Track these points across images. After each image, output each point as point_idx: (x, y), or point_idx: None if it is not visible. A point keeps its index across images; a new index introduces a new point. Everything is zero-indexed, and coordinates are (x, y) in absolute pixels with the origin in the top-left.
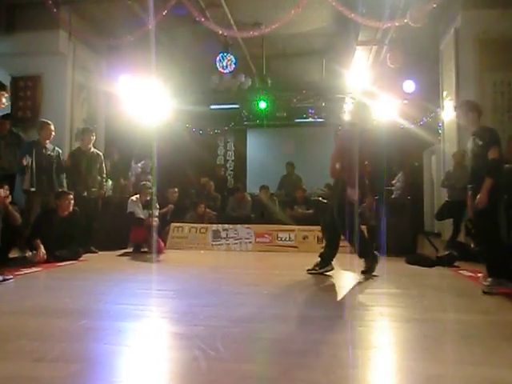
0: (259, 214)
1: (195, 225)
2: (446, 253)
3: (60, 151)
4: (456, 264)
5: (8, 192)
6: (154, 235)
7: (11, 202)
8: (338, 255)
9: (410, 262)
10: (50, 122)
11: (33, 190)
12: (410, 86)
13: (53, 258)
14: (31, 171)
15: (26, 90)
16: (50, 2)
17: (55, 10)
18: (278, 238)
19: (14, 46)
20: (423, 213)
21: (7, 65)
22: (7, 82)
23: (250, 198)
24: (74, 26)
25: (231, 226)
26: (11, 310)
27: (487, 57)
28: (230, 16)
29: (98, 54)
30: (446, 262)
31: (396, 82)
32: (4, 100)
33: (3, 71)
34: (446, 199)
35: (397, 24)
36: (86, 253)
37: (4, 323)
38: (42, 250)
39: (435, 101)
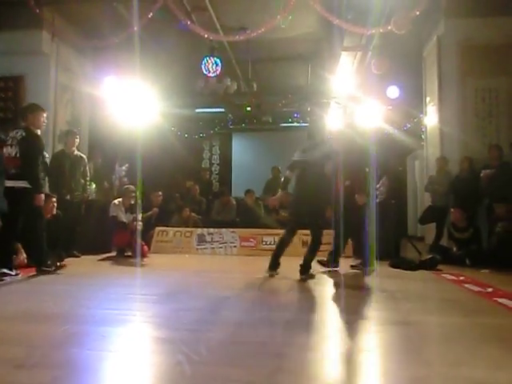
0: (244, 218)
1: (180, 229)
2: (429, 256)
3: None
4: (439, 267)
5: None
6: (138, 239)
7: None
8: (323, 258)
9: (393, 266)
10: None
11: None
12: (394, 91)
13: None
14: None
15: (7, 90)
16: (33, 1)
17: (38, 11)
18: (262, 241)
19: None
20: (407, 217)
21: None
22: None
23: (234, 202)
24: (58, 27)
25: (216, 229)
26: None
27: (469, 63)
28: (216, 20)
29: (83, 56)
30: (429, 265)
31: (380, 88)
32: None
33: None
34: (429, 204)
35: (381, 31)
36: (69, 257)
37: None
38: (23, 254)
39: (419, 106)
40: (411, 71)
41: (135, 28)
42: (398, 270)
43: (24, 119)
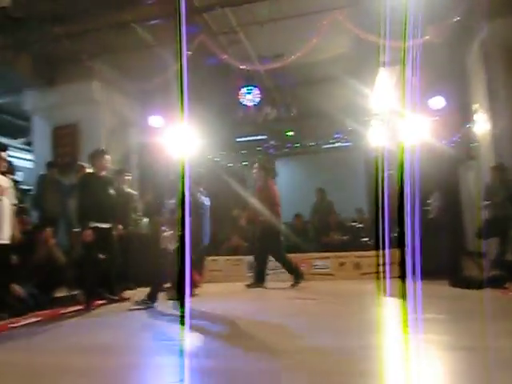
0: (293, 242)
1: (230, 257)
2: (494, 273)
3: None
4: (505, 285)
5: (52, 234)
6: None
7: (56, 244)
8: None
9: (454, 285)
10: (86, 165)
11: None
12: (438, 102)
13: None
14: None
15: (65, 137)
16: (85, 56)
17: (89, 63)
18: (314, 266)
19: (54, 98)
20: (465, 232)
21: (49, 116)
22: (49, 132)
23: (282, 227)
24: (107, 75)
25: None
26: (57, 347)
27: None
28: (251, 50)
29: (130, 99)
30: (494, 283)
31: (423, 100)
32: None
33: (45, 122)
34: (488, 216)
35: (418, 42)
36: (125, 290)
37: (50, 361)
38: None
39: (467, 115)
40: (455, 79)
41: (175, 68)
42: (460, 289)
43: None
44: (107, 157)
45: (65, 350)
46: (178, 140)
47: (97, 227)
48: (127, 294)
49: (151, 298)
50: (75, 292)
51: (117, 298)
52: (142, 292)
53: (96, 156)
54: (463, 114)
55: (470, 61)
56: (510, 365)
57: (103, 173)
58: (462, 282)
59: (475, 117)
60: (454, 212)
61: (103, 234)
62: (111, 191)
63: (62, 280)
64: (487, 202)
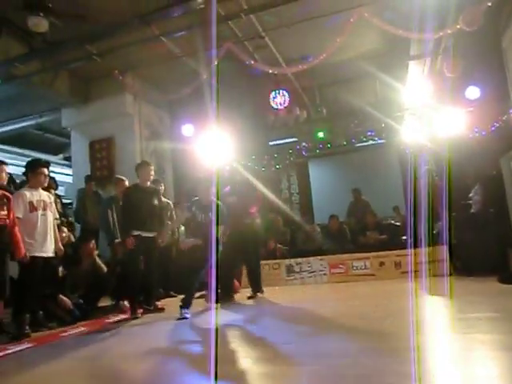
0: (331, 244)
1: (268, 261)
2: None
3: None
4: None
5: (95, 245)
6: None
7: (98, 255)
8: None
9: (503, 281)
10: (123, 178)
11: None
12: (473, 92)
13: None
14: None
15: (101, 151)
16: (117, 71)
17: (121, 78)
18: (353, 267)
19: (90, 113)
20: (511, 225)
21: (85, 131)
22: (86, 146)
23: (319, 229)
24: (138, 88)
25: (304, 259)
26: (107, 354)
27: None
28: (277, 54)
29: (161, 109)
30: None
31: (458, 91)
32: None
33: (83, 137)
34: None
35: (449, 32)
36: (167, 297)
37: (100, 368)
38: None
39: (505, 103)
40: (491, 67)
41: (204, 76)
42: (509, 285)
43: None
44: (151, 167)
45: (122, 356)
46: (211, 147)
47: (140, 235)
48: (163, 303)
49: (186, 305)
50: (117, 301)
51: (152, 307)
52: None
53: (140, 167)
54: (501, 103)
55: (506, 46)
56: None
57: (148, 183)
58: (511, 277)
59: None
60: (497, 205)
61: (147, 243)
62: (155, 201)
63: (105, 290)
64: None
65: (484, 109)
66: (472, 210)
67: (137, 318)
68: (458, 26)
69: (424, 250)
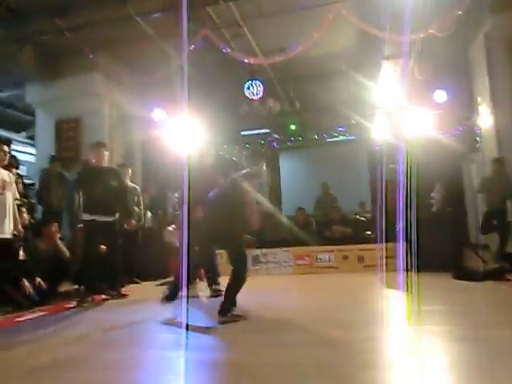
0: (297, 236)
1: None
2: (496, 265)
3: None
4: (507, 277)
5: (57, 228)
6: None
7: (60, 238)
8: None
9: (456, 277)
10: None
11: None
12: (441, 95)
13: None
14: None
15: (68, 131)
16: (87, 48)
17: (91, 56)
18: (317, 259)
19: (57, 91)
20: (467, 224)
21: (52, 109)
22: (52, 125)
23: (286, 220)
24: (109, 68)
25: (270, 250)
26: (64, 340)
27: None
28: (254, 44)
29: (132, 92)
30: (496, 275)
31: (427, 93)
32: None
33: (49, 115)
34: (486, 209)
35: (422, 35)
36: (130, 283)
37: (58, 353)
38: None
39: (470, 108)
40: (458, 72)
41: (178, 61)
42: (462, 281)
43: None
44: (103, 149)
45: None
46: (181, 134)
47: (96, 220)
48: (128, 289)
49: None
50: (78, 286)
51: (115, 293)
52: (146, 286)
53: (93, 148)
54: (466, 108)
55: (473, 54)
56: (507, 354)
57: (103, 164)
58: (464, 274)
59: (478, 110)
60: (456, 205)
61: (104, 228)
62: (113, 183)
63: (66, 274)
64: (485, 195)
65: (450, 112)
66: (433, 209)
67: (83, 306)
68: (431, 31)
69: (385, 246)
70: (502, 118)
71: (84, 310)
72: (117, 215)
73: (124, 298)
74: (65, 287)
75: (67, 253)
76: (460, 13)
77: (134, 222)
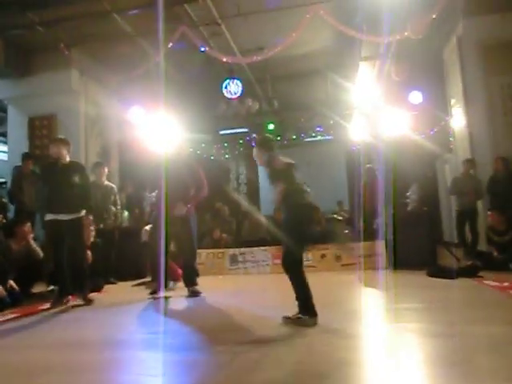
0: (275, 235)
1: (212, 250)
2: (469, 263)
3: None
4: (480, 274)
5: (30, 228)
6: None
7: (33, 238)
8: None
9: (431, 275)
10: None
11: None
12: (416, 96)
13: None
14: None
15: (42, 128)
16: (63, 44)
17: (67, 52)
18: None
19: (30, 87)
20: (441, 223)
21: (24, 106)
22: (25, 122)
23: (264, 220)
24: (85, 65)
25: (248, 249)
26: (37, 344)
27: (492, 61)
28: (232, 43)
29: (109, 89)
30: (469, 272)
31: (403, 94)
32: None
33: (21, 112)
34: (456, 209)
35: (398, 37)
36: (106, 284)
37: (31, 357)
38: None
39: (444, 110)
40: (433, 75)
41: (157, 59)
42: (436, 279)
43: None
44: (62, 144)
45: (46, 346)
46: (159, 132)
47: (55, 220)
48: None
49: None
50: (53, 287)
51: (81, 299)
52: (122, 287)
53: (51, 143)
54: (441, 109)
55: (447, 56)
56: (484, 348)
57: (66, 160)
58: (438, 271)
59: (452, 111)
60: (430, 204)
61: (65, 227)
62: (75, 179)
63: (40, 275)
64: (454, 193)
65: (425, 113)
66: (408, 208)
67: (58, 307)
68: (406, 34)
69: (362, 245)
70: (475, 119)
71: (59, 312)
72: (82, 213)
73: (89, 304)
74: (39, 288)
75: (41, 253)
76: (434, 16)
77: (91, 218)
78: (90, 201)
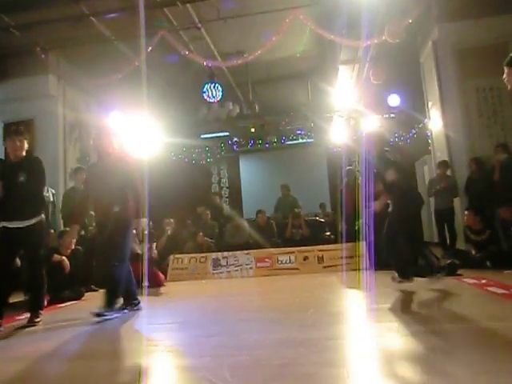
0: (257, 238)
1: (194, 255)
2: (448, 261)
3: (53, 191)
4: (458, 272)
5: None
6: (153, 268)
7: None
8: (352, 273)
9: (411, 274)
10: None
11: None
12: (394, 99)
13: (56, 299)
14: None
15: None
16: (39, 48)
17: (44, 56)
18: (278, 261)
19: (6, 92)
20: (421, 223)
21: (0, 111)
22: (0, 127)
23: (246, 224)
24: (63, 70)
25: (231, 253)
26: (19, 355)
27: (466, 65)
28: (213, 47)
29: (88, 94)
30: (448, 270)
31: (381, 97)
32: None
33: None
34: (434, 208)
35: (375, 41)
36: (87, 291)
37: (12, 369)
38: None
39: (422, 112)
40: (410, 78)
41: (136, 63)
42: (417, 278)
43: None
44: (17, 138)
45: (28, 357)
46: (140, 137)
47: (6, 227)
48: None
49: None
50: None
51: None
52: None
53: (5, 139)
54: (419, 111)
55: (424, 60)
56: (465, 345)
57: (20, 158)
58: (418, 271)
59: (430, 114)
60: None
61: (20, 236)
62: (21, 178)
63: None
64: (432, 195)
65: (404, 116)
66: (389, 209)
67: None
68: (384, 37)
69: (345, 246)
70: (451, 121)
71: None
72: (39, 218)
73: (33, 326)
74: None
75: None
76: (410, 21)
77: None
78: (43, 203)
